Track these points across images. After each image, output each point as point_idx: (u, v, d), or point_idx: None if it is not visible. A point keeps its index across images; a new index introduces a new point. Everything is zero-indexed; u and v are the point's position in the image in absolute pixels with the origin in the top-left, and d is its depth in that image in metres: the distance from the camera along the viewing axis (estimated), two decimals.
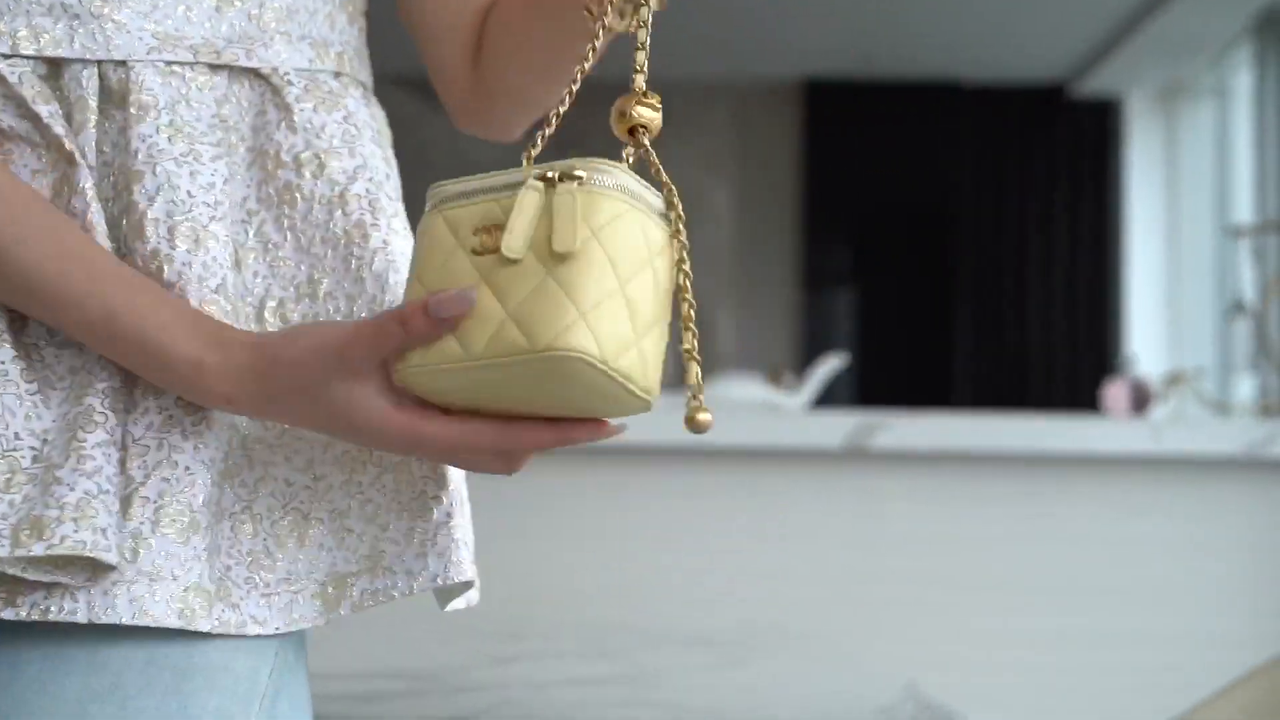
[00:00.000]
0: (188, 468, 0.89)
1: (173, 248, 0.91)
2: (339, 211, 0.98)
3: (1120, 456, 2.44)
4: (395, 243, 0.99)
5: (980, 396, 6.62)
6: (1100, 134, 6.96)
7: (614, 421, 0.87)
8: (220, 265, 0.93)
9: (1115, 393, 2.94)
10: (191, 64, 0.97)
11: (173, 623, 0.85)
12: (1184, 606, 2.43)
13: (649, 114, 0.95)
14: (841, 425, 2.39)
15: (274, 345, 0.88)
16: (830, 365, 2.92)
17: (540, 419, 0.86)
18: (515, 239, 0.82)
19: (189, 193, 0.93)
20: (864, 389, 6.57)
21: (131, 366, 0.89)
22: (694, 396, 0.85)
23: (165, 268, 0.91)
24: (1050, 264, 6.92)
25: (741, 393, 2.76)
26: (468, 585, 0.94)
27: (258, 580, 0.91)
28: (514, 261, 0.82)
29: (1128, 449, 2.44)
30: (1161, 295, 6.89)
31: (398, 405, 0.86)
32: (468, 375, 0.83)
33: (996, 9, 6.03)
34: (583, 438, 0.86)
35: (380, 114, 1.10)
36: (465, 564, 0.93)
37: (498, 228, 0.83)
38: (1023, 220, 6.94)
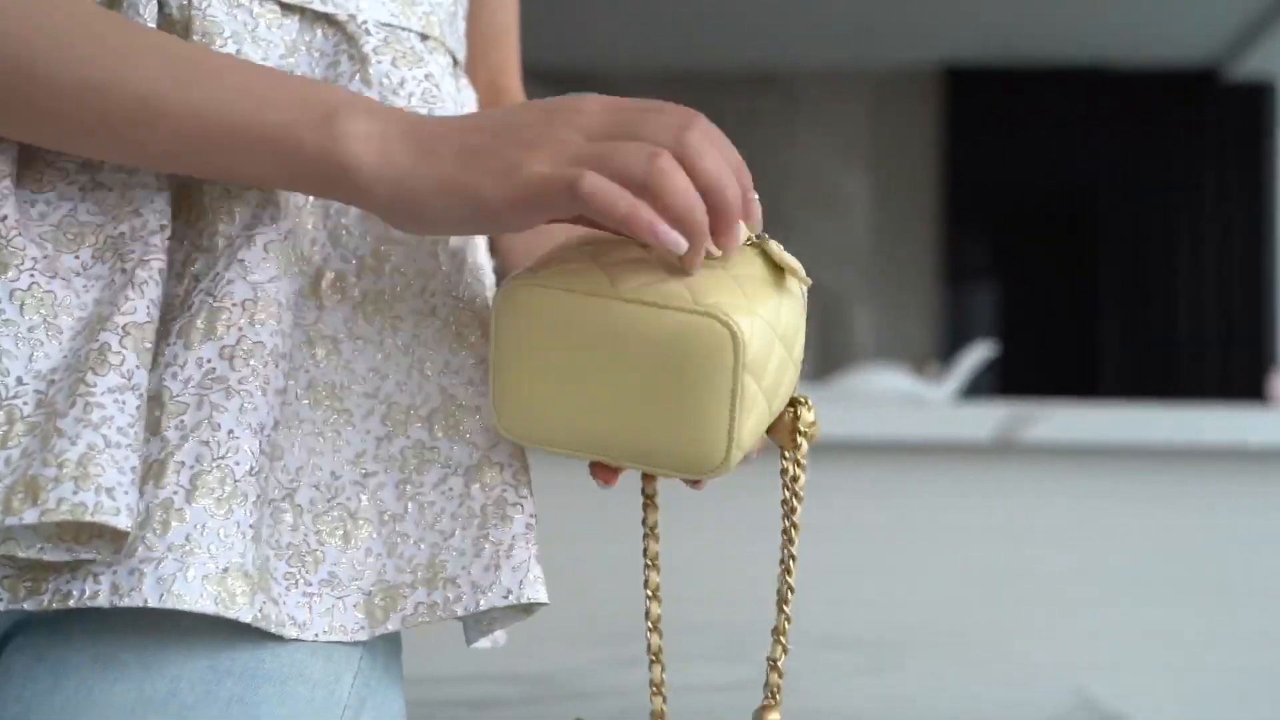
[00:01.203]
0: (231, 431, 0.77)
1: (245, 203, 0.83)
2: None
3: None
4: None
5: (1128, 389, 6.45)
6: (1254, 119, 6.76)
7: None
8: None
9: None
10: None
11: (207, 607, 0.73)
12: None
13: None
14: (990, 417, 2.30)
15: None
16: (978, 354, 2.81)
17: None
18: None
19: None
20: (1008, 383, 6.46)
21: (244, 125, 0.76)
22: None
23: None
24: (1202, 253, 6.74)
25: (885, 383, 2.66)
26: (531, 609, 0.84)
27: (298, 577, 0.80)
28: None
29: None
30: None
31: None
32: (602, 312, 0.76)
33: None
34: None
35: (470, 95, 1.01)
36: (540, 584, 0.82)
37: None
38: (1173, 209, 6.77)
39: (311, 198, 0.86)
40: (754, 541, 2.26)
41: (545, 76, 7.37)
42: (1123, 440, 2.31)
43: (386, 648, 0.87)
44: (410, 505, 0.83)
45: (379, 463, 0.84)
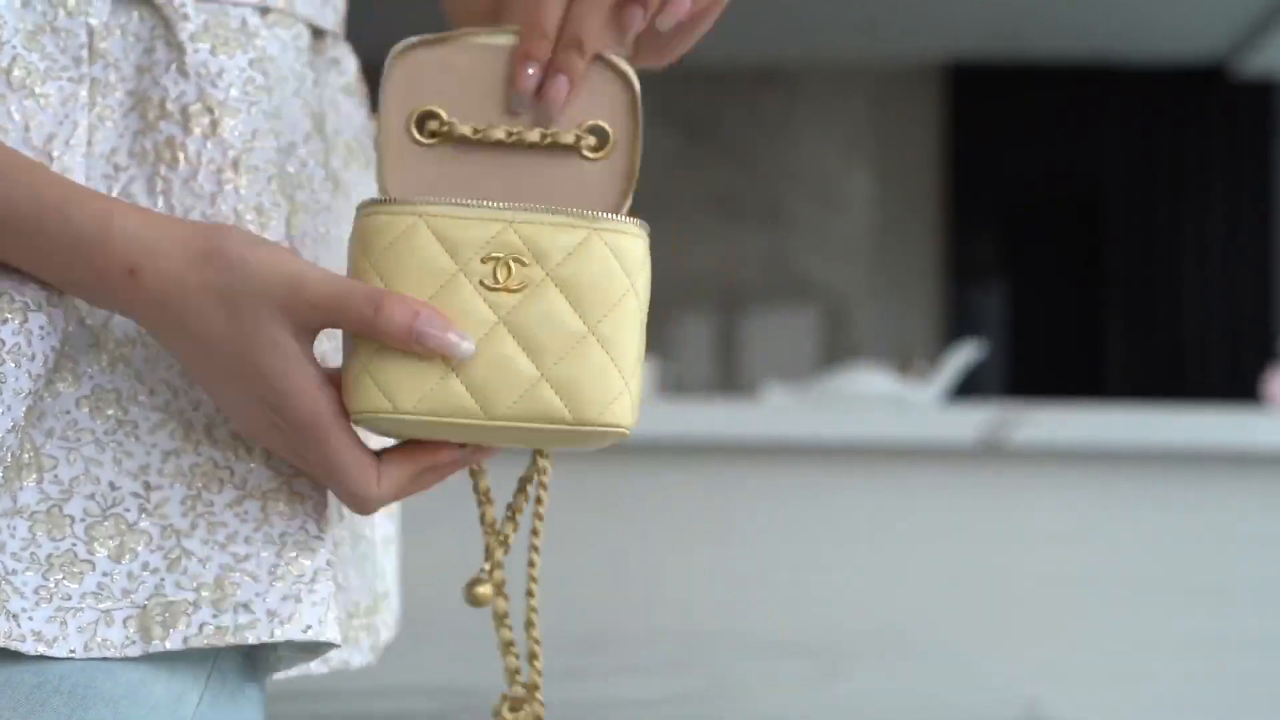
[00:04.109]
0: None
1: None
2: (230, 185, 0.82)
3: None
4: (302, 225, 0.85)
5: (1136, 389, 6.40)
6: (1262, 116, 6.71)
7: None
8: None
9: (1279, 383, 2.73)
10: None
11: None
12: None
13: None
14: (976, 419, 2.25)
15: (223, 231, 0.73)
16: (964, 355, 2.76)
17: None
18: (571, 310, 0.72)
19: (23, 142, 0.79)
20: (1015, 384, 6.41)
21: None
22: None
23: None
24: (1209, 252, 6.69)
25: (868, 385, 2.61)
26: (321, 650, 0.78)
27: (56, 590, 0.74)
28: (541, 305, 0.72)
29: None
30: None
31: (322, 383, 0.74)
32: (476, 434, 0.73)
33: None
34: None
35: (350, 65, 0.95)
36: (337, 625, 0.77)
37: (518, 262, 0.72)
38: (1180, 207, 6.72)
39: (116, 196, 0.82)
40: (711, 547, 2.22)
41: None
42: (1111, 442, 2.26)
43: (241, 669, 0.81)
44: (200, 522, 0.78)
45: (164, 477, 0.78)
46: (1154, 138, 6.73)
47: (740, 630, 2.16)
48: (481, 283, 0.72)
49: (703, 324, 6.61)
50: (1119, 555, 2.27)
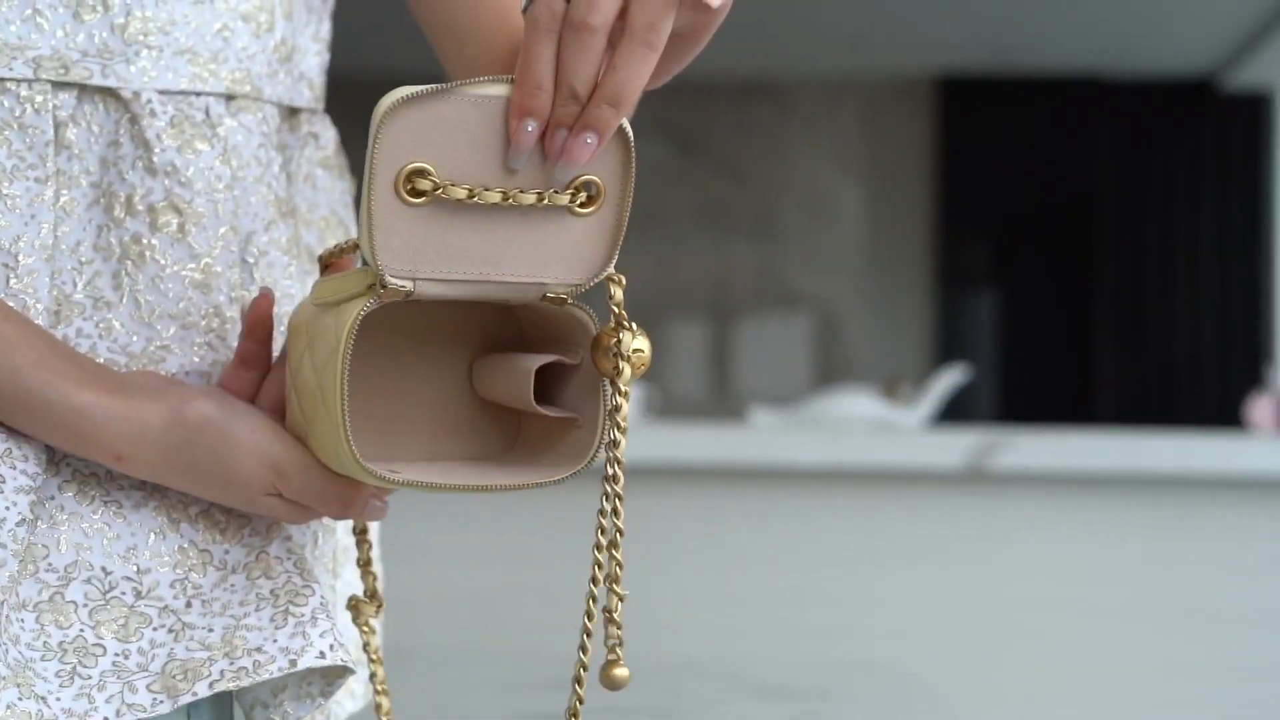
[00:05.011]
0: None
1: None
2: (196, 290, 0.83)
3: (1267, 477, 2.27)
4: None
5: (1125, 402, 6.40)
6: (1253, 130, 6.70)
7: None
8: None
9: (1263, 408, 2.73)
10: (30, 80, 0.81)
11: None
12: None
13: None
14: (960, 444, 2.25)
15: (196, 405, 0.77)
16: (950, 378, 2.76)
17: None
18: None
19: None
20: (1004, 401, 6.40)
21: None
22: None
23: None
24: (1200, 267, 6.69)
25: (852, 408, 2.61)
26: (336, 681, 0.80)
27: (75, 672, 0.75)
28: None
29: (1275, 468, 2.27)
30: None
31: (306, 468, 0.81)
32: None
33: None
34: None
35: (329, 137, 0.95)
36: (348, 651, 0.79)
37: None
38: (1171, 221, 6.72)
39: (81, 290, 0.84)
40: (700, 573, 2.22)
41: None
42: (1096, 468, 2.25)
43: None
44: (194, 602, 0.80)
45: (153, 559, 0.80)
46: (1144, 152, 6.73)
47: (722, 663, 2.16)
48: None
49: (693, 335, 6.60)
50: (1105, 582, 2.27)
